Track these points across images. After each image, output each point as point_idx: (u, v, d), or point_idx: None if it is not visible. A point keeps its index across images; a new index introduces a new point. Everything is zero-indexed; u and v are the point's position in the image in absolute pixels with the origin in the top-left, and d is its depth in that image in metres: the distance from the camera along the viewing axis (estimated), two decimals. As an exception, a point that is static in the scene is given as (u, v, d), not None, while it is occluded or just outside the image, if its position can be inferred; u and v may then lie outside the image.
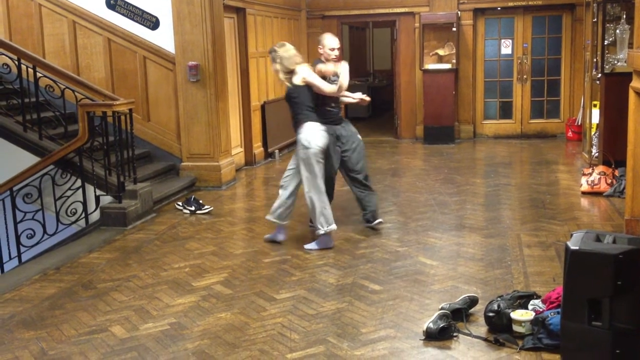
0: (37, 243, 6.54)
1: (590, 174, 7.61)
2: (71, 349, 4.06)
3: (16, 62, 7.22)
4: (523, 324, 3.94)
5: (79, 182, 6.79)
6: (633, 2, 5.81)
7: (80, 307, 4.73)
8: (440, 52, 11.61)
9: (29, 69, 7.25)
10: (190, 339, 4.15)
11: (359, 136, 6.44)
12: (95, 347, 4.08)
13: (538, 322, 3.90)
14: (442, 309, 4.24)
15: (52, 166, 6.77)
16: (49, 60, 7.85)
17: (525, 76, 11.86)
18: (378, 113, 15.66)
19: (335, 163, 6.28)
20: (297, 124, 5.89)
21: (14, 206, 6.57)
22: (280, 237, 6.12)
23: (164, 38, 8.41)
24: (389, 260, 5.52)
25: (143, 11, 8.44)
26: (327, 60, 6.19)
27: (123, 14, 8.47)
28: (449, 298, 4.56)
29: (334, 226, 5.86)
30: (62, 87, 7.19)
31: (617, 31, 8.12)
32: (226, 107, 8.73)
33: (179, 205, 7.48)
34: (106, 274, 5.43)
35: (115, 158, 6.93)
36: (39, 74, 7.20)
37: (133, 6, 8.44)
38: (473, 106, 12.01)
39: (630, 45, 7.92)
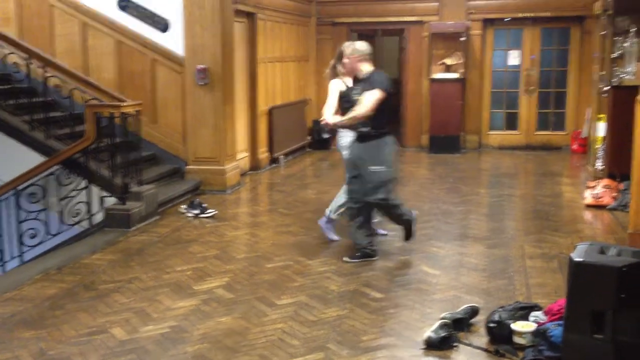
0: (40, 243, 6.54)
1: (595, 187, 7.58)
2: (71, 350, 4.05)
3: (26, 62, 7.26)
4: (524, 336, 3.92)
5: (83, 183, 6.80)
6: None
7: (81, 308, 4.73)
8: (448, 61, 11.61)
9: (38, 69, 7.29)
10: (190, 342, 4.14)
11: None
12: (94, 348, 4.08)
13: (539, 333, 3.88)
14: (443, 318, 4.22)
15: (57, 166, 6.78)
16: (58, 60, 7.88)
17: (532, 87, 11.84)
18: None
19: None
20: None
21: (18, 205, 6.58)
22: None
23: (173, 41, 8.41)
24: (391, 268, 5.51)
25: (154, 14, 8.45)
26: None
27: (134, 16, 8.49)
28: (451, 307, 4.54)
29: None
30: (71, 87, 7.21)
31: (626, 44, 8.10)
32: (233, 111, 8.73)
33: (183, 208, 7.48)
34: (108, 275, 5.43)
35: (121, 160, 6.94)
36: (47, 74, 7.23)
37: (144, 8, 8.46)
38: (479, 116, 12.00)
39: (639, 59, 7.90)
